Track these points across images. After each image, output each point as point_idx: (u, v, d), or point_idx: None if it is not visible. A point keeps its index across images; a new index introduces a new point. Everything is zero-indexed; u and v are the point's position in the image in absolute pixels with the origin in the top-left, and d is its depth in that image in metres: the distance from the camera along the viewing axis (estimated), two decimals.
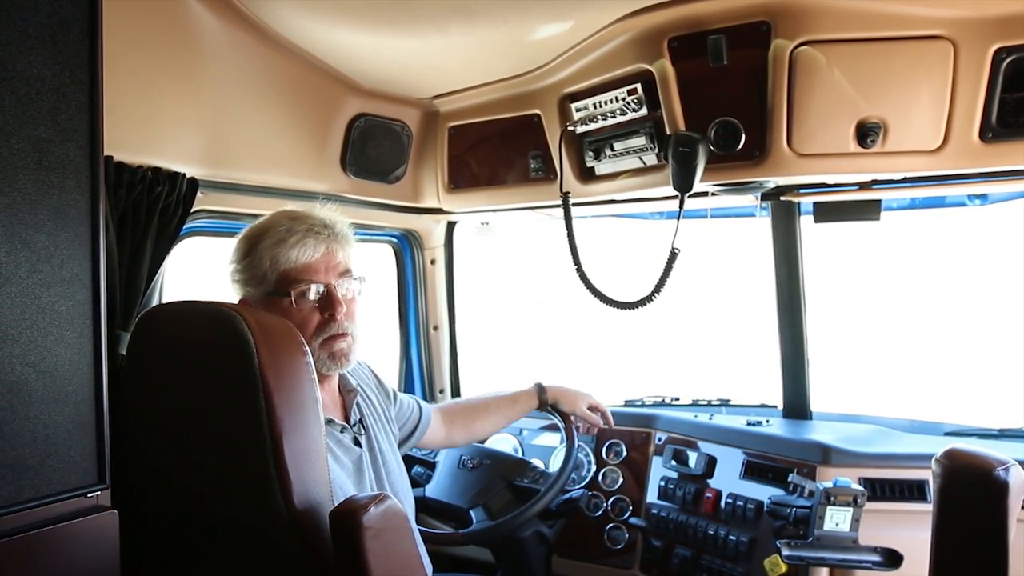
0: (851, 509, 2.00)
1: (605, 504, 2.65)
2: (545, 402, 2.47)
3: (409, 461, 2.67)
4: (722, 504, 2.35)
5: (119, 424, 1.42)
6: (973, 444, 2.26)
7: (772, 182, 2.17)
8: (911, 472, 2.18)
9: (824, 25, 1.84)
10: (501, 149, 2.62)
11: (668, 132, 2.05)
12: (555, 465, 2.53)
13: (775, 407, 2.78)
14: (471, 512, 2.38)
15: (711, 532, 2.34)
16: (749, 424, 2.53)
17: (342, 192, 2.51)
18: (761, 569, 2.20)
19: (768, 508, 2.19)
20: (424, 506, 2.53)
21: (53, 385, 1.26)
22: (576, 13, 1.99)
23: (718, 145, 1.98)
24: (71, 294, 1.29)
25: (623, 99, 2.14)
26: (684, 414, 2.74)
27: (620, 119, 2.18)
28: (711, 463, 2.45)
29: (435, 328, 3.18)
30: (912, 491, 2.17)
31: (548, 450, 2.77)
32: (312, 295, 1.75)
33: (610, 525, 2.63)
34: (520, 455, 2.75)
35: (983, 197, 2.45)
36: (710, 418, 2.65)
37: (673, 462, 2.53)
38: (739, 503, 2.30)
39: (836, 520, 2.00)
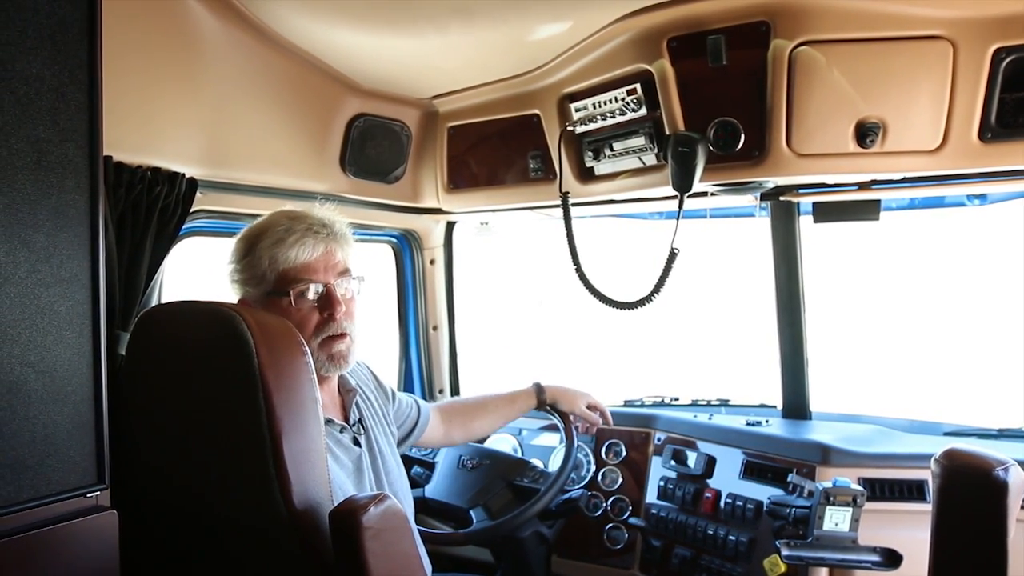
0: (850, 509, 2.00)
1: (604, 504, 2.66)
2: (544, 402, 2.47)
3: (408, 461, 2.67)
4: (721, 504, 2.35)
5: (119, 424, 1.42)
6: (972, 444, 2.25)
7: (771, 182, 2.17)
8: (910, 472, 2.18)
9: (823, 25, 1.84)
10: (500, 149, 2.62)
11: (667, 132, 2.05)
12: (554, 465, 2.53)
13: (774, 407, 2.78)
14: (471, 512, 2.38)
15: (710, 532, 2.34)
16: (748, 424, 2.53)
17: (341, 192, 2.51)
18: (760, 569, 2.20)
19: (767, 508, 2.20)
20: (424, 506, 2.53)
21: (52, 385, 1.26)
22: (576, 13, 1.99)
23: (717, 145, 1.98)
24: (70, 294, 1.29)
25: (622, 99, 2.14)
26: (683, 414, 2.74)
27: (619, 119, 2.18)
28: (710, 463, 2.45)
29: (434, 328, 3.18)
30: (911, 491, 2.17)
31: (547, 450, 2.77)
32: (311, 295, 1.75)
33: (609, 525, 2.63)
34: (519, 455, 2.75)
35: (982, 197, 2.45)
36: (709, 418, 2.65)
37: (672, 462, 2.54)
38: (738, 503, 2.30)
39: (835, 520, 2.00)
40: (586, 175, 2.37)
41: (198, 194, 2.02)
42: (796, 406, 2.70)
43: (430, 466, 2.67)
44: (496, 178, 2.66)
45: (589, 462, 2.72)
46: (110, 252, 1.76)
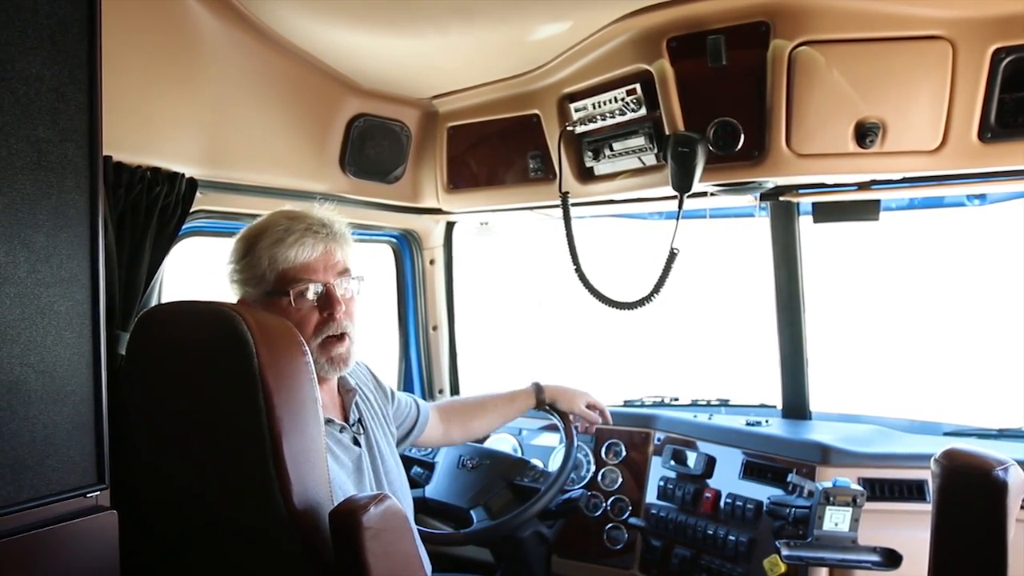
0: (850, 509, 2.00)
1: (604, 504, 2.66)
2: (543, 401, 2.47)
3: (408, 461, 2.68)
4: (721, 504, 2.35)
5: (118, 424, 1.42)
6: (972, 444, 2.26)
7: (771, 182, 2.17)
8: (910, 472, 2.18)
9: (823, 25, 1.84)
10: (500, 149, 2.62)
11: (667, 132, 2.05)
12: (554, 465, 2.53)
13: (774, 407, 2.78)
14: (471, 512, 2.38)
15: (710, 532, 2.34)
16: (748, 424, 2.53)
17: (341, 192, 2.51)
18: (760, 569, 2.20)
19: (767, 508, 2.20)
20: (424, 506, 2.53)
21: (52, 385, 1.26)
22: (575, 13, 1.99)
23: (717, 145, 1.98)
24: (70, 294, 1.29)
25: (622, 99, 2.14)
26: (683, 414, 2.74)
27: (619, 119, 2.18)
28: (710, 463, 2.45)
29: (434, 328, 3.18)
30: (911, 491, 2.17)
31: (547, 450, 2.77)
32: (311, 294, 1.75)
33: (609, 525, 2.63)
34: (519, 455, 2.75)
35: (982, 197, 2.45)
36: (709, 418, 2.65)
37: (672, 462, 2.54)
38: (738, 503, 2.30)
39: (835, 520, 2.00)
40: (586, 175, 2.37)
41: (198, 194, 2.02)
42: (796, 406, 2.70)
43: (430, 466, 2.67)
44: (496, 178, 2.66)
45: (589, 462, 2.72)
46: (110, 252, 1.76)
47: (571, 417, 2.48)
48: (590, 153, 2.31)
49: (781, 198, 2.40)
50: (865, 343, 5.53)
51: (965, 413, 2.78)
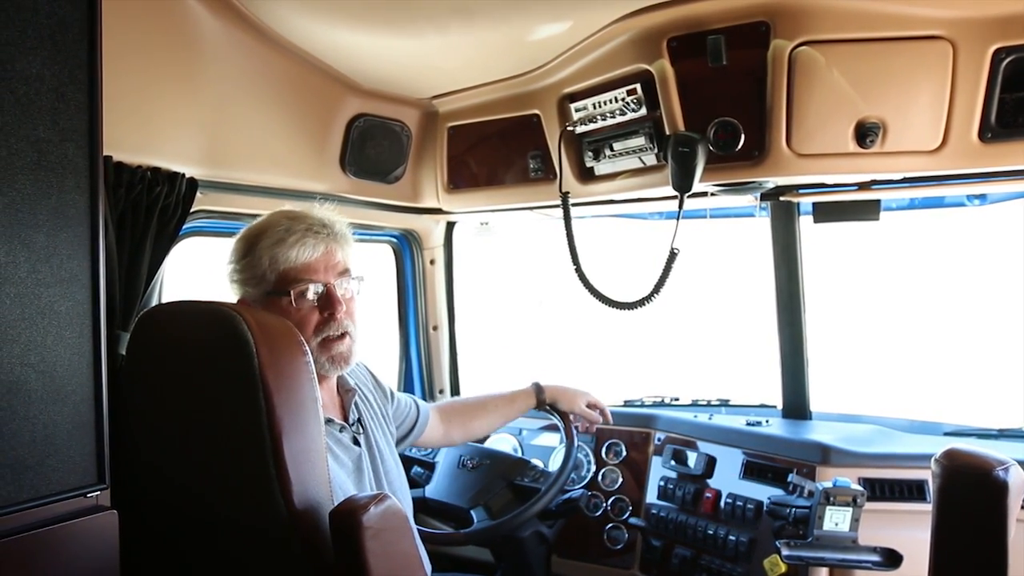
0: (850, 509, 2.00)
1: (605, 504, 2.66)
2: (543, 401, 2.47)
3: (409, 461, 2.68)
4: (722, 504, 2.35)
5: (119, 424, 1.42)
6: (972, 444, 2.26)
7: (771, 182, 2.17)
8: (911, 472, 2.18)
9: (823, 25, 1.84)
10: (500, 149, 2.62)
11: (667, 132, 2.05)
12: (555, 465, 2.54)
13: (774, 407, 2.78)
14: (471, 512, 2.38)
15: (711, 532, 2.34)
16: (748, 424, 2.53)
17: (341, 192, 2.51)
18: (761, 569, 2.20)
19: (768, 508, 2.20)
20: (424, 506, 2.53)
21: (52, 385, 1.27)
22: (575, 13, 1.99)
23: (717, 145, 1.98)
24: (70, 294, 1.29)
25: (622, 99, 2.14)
26: (683, 414, 2.74)
27: (619, 119, 2.18)
28: (710, 463, 2.45)
29: (435, 328, 3.18)
30: (912, 491, 2.17)
31: (548, 450, 2.77)
32: (311, 294, 1.75)
33: (610, 525, 2.63)
34: (520, 455, 2.75)
35: (982, 197, 2.45)
36: (709, 418, 2.65)
37: (673, 462, 2.53)
38: (739, 503, 2.30)
39: (835, 520, 2.00)
40: (586, 175, 2.37)
41: (198, 194, 2.02)
42: (796, 406, 2.70)
43: (430, 466, 2.67)
44: (496, 178, 2.66)
45: (589, 462, 2.72)
46: (110, 252, 1.76)
47: (571, 417, 2.48)
48: (590, 153, 2.31)
49: (781, 198, 2.40)
50: (865, 343, 5.53)
51: (965, 413, 2.78)
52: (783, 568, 2.14)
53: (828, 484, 2.02)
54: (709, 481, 2.43)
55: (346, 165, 2.50)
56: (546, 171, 2.50)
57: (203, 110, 2.01)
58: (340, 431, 1.82)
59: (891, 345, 5.64)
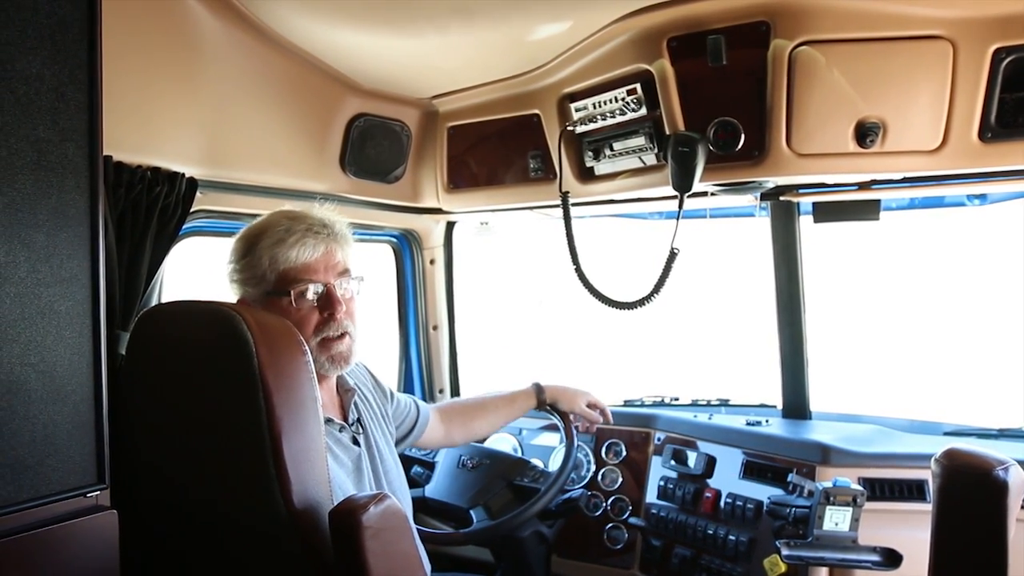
0: (850, 509, 2.00)
1: (605, 504, 2.66)
2: (543, 401, 2.46)
3: (408, 461, 2.68)
4: (721, 504, 2.35)
5: (119, 424, 1.42)
6: (972, 444, 2.26)
7: (771, 182, 2.17)
8: (911, 472, 2.18)
9: (823, 25, 1.84)
10: (500, 149, 2.62)
11: (667, 132, 2.05)
12: (554, 465, 2.53)
13: (774, 407, 2.78)
14: (471, 512, 2.38)
15: (710, 532, 2.34)
16: (748, 424, 2.53)
17: (341, 192, 2.51)
18: (760, 569, 2.20)
19: (767, 508, 2.20)
20: (424, 506, 2.53)
21: (52, 385, 1.27)
22: (575, 13, 1.99)
23: (717, 145, 1.98)
24: (70, 294, 1.29)
25: (622, 99, 2.14)
26: (683, 414, 2.74)
27: (619, 119, 2.18)
28: (710, 463, 2.45)
29: (434, 328, 3.18)
30: (912, 491, 2.17)
31: (547, 450, 2.77)
32: (311, 295, 1.75)
33: (610, 525, 2.63)
34: (520, 455, 2.75)
35: (982, 197, 2.45)
36: (709, 418, 2.65)
37: (672, 462, 2.53)
38: (738, 503, 2.30)
39: (835, 520, 2.00)
40: (586, 175, 2.37)
41: (198, 194, 2.02)
42: (796, 406, 2.70)
43: (430, 466, 2.67)
44: (496, 178, 2.66)
45: (589, 462, 2.72)
46: (110, 252, 1.76)
47: (572, 417, 2.48)
48: (590, 153, 2.31)
49: (781, 198, 2.40)
50: (865, 343, 5.53)
51: (965, 413, 2.78)
52: (783, 568, 2.14)
53: (828, 484, 2.02)
54: (709, 481, 2.43)
55: (346, 165, 2.50)
56: (546, 171, 2.50)
57: (203, 110, 2.01)
58: (340, 431, 1.82)
59: (891, 345, 5.64)
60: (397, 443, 2.14)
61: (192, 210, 2.01)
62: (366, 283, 1.88)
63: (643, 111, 2.11)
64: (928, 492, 2.14)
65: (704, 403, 2.88)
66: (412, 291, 3.14)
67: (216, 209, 2.24)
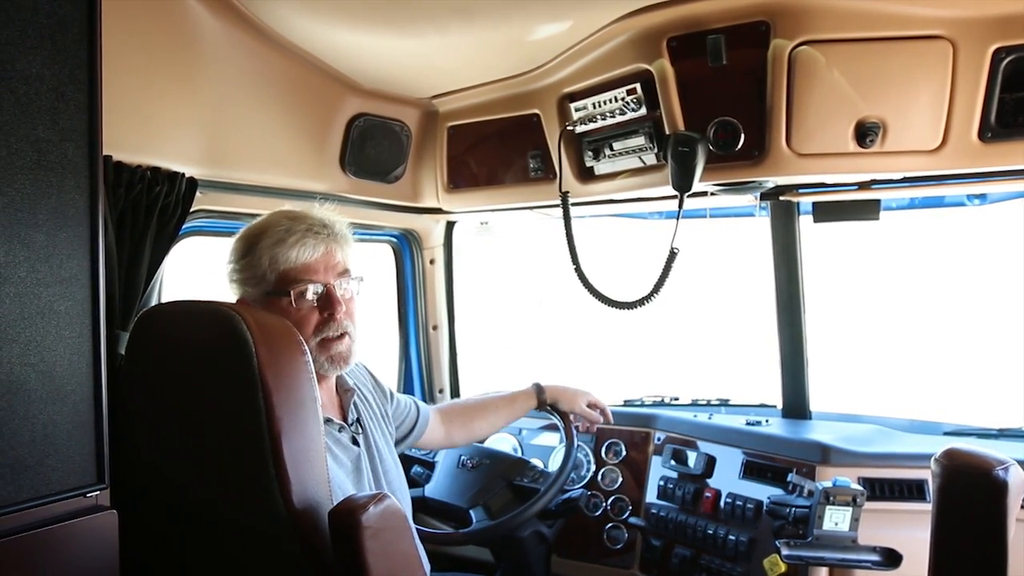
0: (850, 509, 2.00)
1: (604, 504, 2.66)
2: (544, 401, 2.46)
3: (408, 461, 2.68)
4: (721, 504, 2.35)
5: (118, 424, 1.42)
6: (972, 444, 2.26)
7: (771, 182, 2.17)
8: (910, 472, 2.18)
9: (823, 25, 1.84)
10: (500, 149, 2.62)
11: (667, 132, 2.05)
12: (554, 465, 2.53)
13: (774, 407, 2.78)
14: (471, 512, 2.38)
15: (710, 532, 2.34)
16: (748, 424, 2.53)
17: (341, 192, 2.52)
18: (760, 569, 2.20)
19: (767, 508, 2.20)
20: (424, 506, 2.53)
21: (52, 385, 1.27)
22: (575, 13, 1.99)
23: (717, 145, 1.98)
24: (70, 294, 1.29)
25: (622, 99, 2.14)
26: (683, 414, 2.74)
27: (619, 119, 2.18)
28: (710, 463, 2.45)
29: (434, 328, 3.18)
30: (911, 491, 2.17)
31: (547, 450, 2.77)
32: (311, 295, 1.75)
33: (609, 525, 2.63)
34: (519, 455, 2.75)
35: (982, 197, 2.45)
36: (709, 418, 2.65)
37: (672, 462, 2.54)
38: (738, 503, 2.30)
39: (835, 520, 2.00)
40: (586, 175, 2.37)
41: (198, 194, 2.02)
42: (796, 406, 2.70)
43: (430, 466, 2.67)
44: (496, 178, 2.66)
45: (589, 462, 2.72)
46: (110, 252, 1.76)
47: (572, 417, 2.48)
48: (590, 153, 2.31)
49: (781, 198, 2.40)
50: (865, 343, 5.53)
51: (965, 413, 2.77)
52: (783, 568, 2.14)
53: (828, 484, 2.03)
54: (709, 481, 2.43)
55: (346, 165, 2.50)
56: (546, 171, 2.50)
57: (203, 110, 2.01)
58: (339, 431, 1.82)
59: (891, 345, 5.63)
60: (397, 443, 2.14)
61: (192, 210, 2.01)
62: (366, 283, 1.88)
63: (643, 111, 2.11)
64: (928, 492, 2.14)
65: (704, 403, 2.88)
66: (412, 291, 3.14)
67: (216, 209, 2.24)
